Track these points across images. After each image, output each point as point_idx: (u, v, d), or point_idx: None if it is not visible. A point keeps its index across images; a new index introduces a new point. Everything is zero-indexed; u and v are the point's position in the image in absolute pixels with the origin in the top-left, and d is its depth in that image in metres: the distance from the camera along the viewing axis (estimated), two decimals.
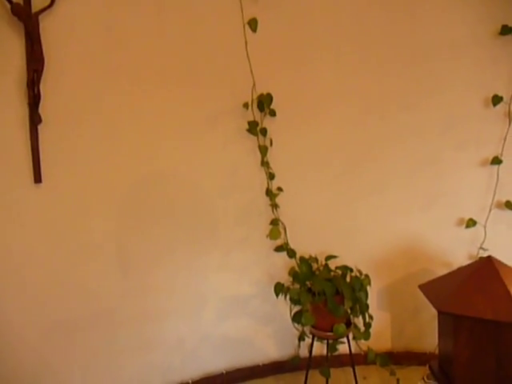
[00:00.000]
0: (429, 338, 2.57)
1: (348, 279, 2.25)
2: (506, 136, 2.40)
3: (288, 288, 2.28)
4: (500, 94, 2.38)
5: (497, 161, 2.43)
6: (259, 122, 2.47)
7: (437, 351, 1.82)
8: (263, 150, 2.47)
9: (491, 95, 2.40)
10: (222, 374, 2.64)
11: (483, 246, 2.45)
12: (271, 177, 2.51)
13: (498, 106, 2.40)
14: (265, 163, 2.49)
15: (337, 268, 2.30)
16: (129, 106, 2.28)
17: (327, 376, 2.45)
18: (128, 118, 2.29)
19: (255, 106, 2.44)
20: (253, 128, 2.45)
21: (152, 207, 2.40)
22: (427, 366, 1.79)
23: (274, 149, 2.52)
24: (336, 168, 2.62)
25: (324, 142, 2.59)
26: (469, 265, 1.72)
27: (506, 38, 2.39)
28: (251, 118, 2.46)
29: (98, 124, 2.23)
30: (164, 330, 2.47)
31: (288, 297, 2.26)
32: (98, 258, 2.29)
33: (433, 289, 1.70)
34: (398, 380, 2.44)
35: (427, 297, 1.66)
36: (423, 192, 2.61)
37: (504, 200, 2.45)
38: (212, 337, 2.59)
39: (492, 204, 2.48)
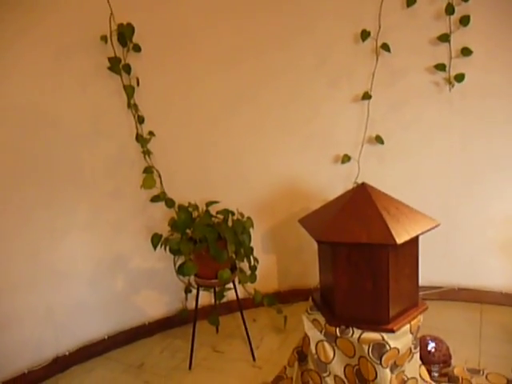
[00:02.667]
0: (312, 275, 2.64)
1: (230, 223, 2.16)
2: (374, 71, 2.44)
3: (167, 239, 2.11)
4: (368, 29, 2.39)
5: (367, 96, 2.48)
6: (122, 58, 2.17)
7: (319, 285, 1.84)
8: (129, 91, 2.20)
9: (360, 30, 2.41)
10: (104, 339, 2.43)
11: (357, 180, 2.54)
12: (140, 120, 2.26)
13: (366, 42, 2.41)
14: (132, 105, 2.23)
15: (218, 213, 2.18)
16: None
17: (216, 324, 2.41)
18: None
19: (115, 39, 2.13)
20: (115, 65, 2.15)
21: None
22: (310, 298, 1.79)
23: (142, 89, 2.26)
24: (211, 109, 2.46)
25: (197, 81, 2.40)
26: (344, 193, 1.72)
27: None
28: (112, 54, 2.15)
29: None
30: (28, 301, 2.16)
31: (168, 248, 2.09)
32: None
33: (312, 221, 1.68)
34: (285, 317, 2.48)
35: (307, 229, 1.63)
36: (300, 131, 2.59)
37: (374, 135, 2.53)
38: (87, 302, 2.34)
39: (364, 139, 2.55)
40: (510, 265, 2.55)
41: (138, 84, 2.23)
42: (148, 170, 2.26)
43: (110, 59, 2.14)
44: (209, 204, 2.22)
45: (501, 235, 2.53)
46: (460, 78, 2.35)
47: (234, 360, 2.29)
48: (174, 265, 2.30)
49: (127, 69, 2.18)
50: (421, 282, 1.69)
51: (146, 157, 2.28)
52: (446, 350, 2.00)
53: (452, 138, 2.49)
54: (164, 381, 2.17)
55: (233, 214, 2.19)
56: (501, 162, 2.45)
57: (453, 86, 2.38)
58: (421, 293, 1.72)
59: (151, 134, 2.29)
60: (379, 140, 2.51)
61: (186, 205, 2.22)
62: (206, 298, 2.58)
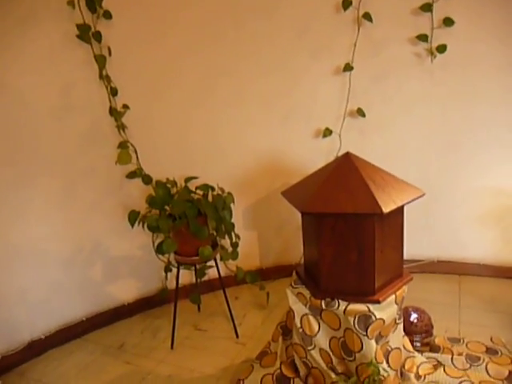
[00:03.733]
0: (294, 251, 2.63)
1: (210, 199, 2.09)
2: (355, 42, 2.39)
3: (145, 216, 2.03)
4: None
5: (348, 68, 2.42)
6: (91, 25, 2.05)
7: (302, 260, 1.81)
8: (100, 61, 2.08)
9: None
10: (82, 321, 2.36)
11: (339, 154, 2.50)
12: (113, 92, 2.15)
13: (348, 11, 2.35)
14: (104, 77, 2.11)
15: (197, 188, 2.11)
16: None
17: (198, 302, 2.37)
18: None
19: (83, 4, 2.00)
20: (84, 33, 2.03)
21: None
22: (294, 272, 1.76)
23: (115, 60, 2.15)
24: (189, 81, 2.36)
25: (173, 51, 2.29)
26: (329, 164, 1.68)
27: None
28: (80, 21, 2.02)
29: None
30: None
31: (146, 225, 2.02)
32: None
33: (295, 193, 1.64)
34: (268, 293, 2.46)
35: (290, 201, 1.59)
36: (280, 104, 2.53)
37: (355, 107, 2.48)
38: (62, 283, 2.26)
39: (345, 112, 2.51)
40: (488, 236, 2.58)
41: (109, 54, 2.12)
42: (123, 145, 2.16)
43: (78, 26, 2.02)
44: (188, 180, 2.14)
45: (479, 207, 2.55)
46: (442, 48, 2.32)
47: (217, 338, 2.26)
48: (153, 243, 2.24)
49: (98, 37, 2.05)
50: None
51: (121, 131, 2.18)
52: (428, 320, 2.02)
53: (433, 110, 2.47)
54: (145, 361, 2.12)
55: (213, 189, 2.12)
56: (481, 134, 2.44)
57: (435, 56, 2.35)
58: (411, 274, 1.71)
59: (125, 107, 2.18)
60: (360, 113, 2.47)
61: (164, 181, 2.14)
62: (186, 276, 2.52)
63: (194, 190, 2.13)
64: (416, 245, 2.67)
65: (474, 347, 2.01)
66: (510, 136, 2.40)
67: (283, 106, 2.53)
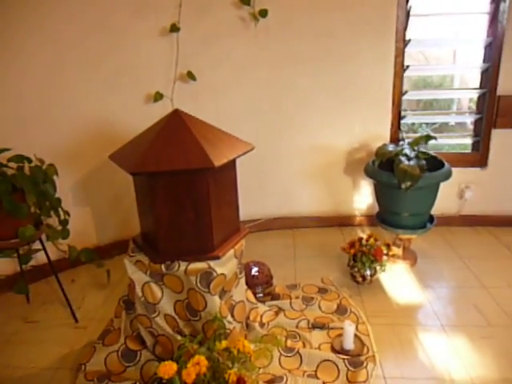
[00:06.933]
0: (134, 224, 2.48)
1: (28, 172, 1.82)
2: (181, 2, 2.31)
3: None
4: None
5: (175, 28, 2.34)
6: None
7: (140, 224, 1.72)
8: None
9: None
10: None
11: None
12: None
13: None
14: None
15: (9, 160, 1.82)
16: None
17: (25, 292, 2.09)
18: None
19: None
20: None
21: None
22: (131, 240, 1.66)
23: None
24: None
25: None
26: (157, 122, 1.60)
27: None
28: None
29: None
30: None
31: None
32: None
33: (124, 154, 1.52)
34: (108, 271, 2.30)
35: (118, 163, 1.47)
36: (105, 68, 2.33)
37: (186, 71, 2.43)
38: None
39: (175, 76, 2.44)
40: (313, 191, 2.84)
41: None
42: None
43: None
44: None
45: (306, 165, 2.79)
46: (263, 13, 2.40)
47: (53, 326, 2.03)
48: None
49: None
50: (241, 216, 1.73)
51: None
52: (268, 272, 2.14)
53: (260, 74, 2.57)
54: None
55: (29, 160, 1.85)
56: (302, 97, 2.64)
57: (258, 21, 2.42)
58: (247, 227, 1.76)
59: None
60: (191, 76, 2.43)
61: None
62: (9, 265, 2.20)
63: (5, 163, 1.83)
64: (253, 205, 2.80)
65: (309, 289, 2.21)
66: (327, 100, 2.64)
67: (108, 69, 2.34)
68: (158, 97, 2.39)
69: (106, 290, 2.29)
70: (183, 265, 1.51)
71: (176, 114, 1.52)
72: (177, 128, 1.47)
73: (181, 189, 1.43)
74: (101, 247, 2.54)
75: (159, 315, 1.60)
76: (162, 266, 1.52)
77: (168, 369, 1.30)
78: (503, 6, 2.41)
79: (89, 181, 2.44)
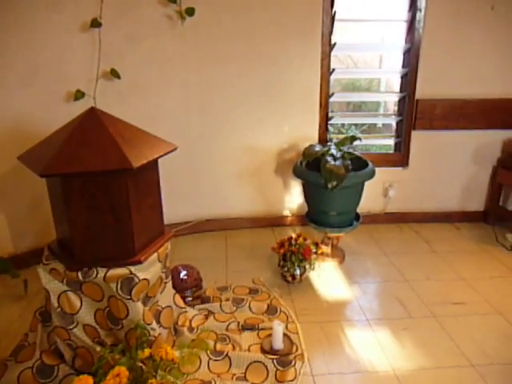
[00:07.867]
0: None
1: None
2: None
3: None
4: None
5: (96, 23, 2.23)
6: None
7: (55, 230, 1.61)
8: None
9: None
10: None
11: None
12: None
13: None
14: None
15: None
16: None
17: None
18: None
19: None
20: None
21: None
22: (45, 247, 1.54)
23: None
24: None
25: None
26: (71, 121, 1.50)
27: None
28: None
29: None
30: None
31: None
32: None
33: (34, 155, 1.41)
34: (25, 281, 2.13)
35: (27, 165, 1.36)
36: (20, 62, 2.17)
37: (109, 68, 2.33)
38: None
39: (98, 73, 2.32)
40: (246, 191, 2.84)
41: None
42: None
43: None
44: None
45: (238, 166, 2.78)
46: (190, 11, 2.36)
47: None
48: None
49: None
50: (172, 219, 1.68)
51: None
52: (197, 274, 2.10)
53: (189, 73, 2.52)
54: None
55: None
56: (234, 97, 2.62)
57: (184, 19, 2.37)
58: (173, 230, 1.70)
59: None
60: (115, 74, 2.33)
61: None
62: None
63: None
64: (185, 207, 2.75)
65: (240, 291, 2.19)
66: (257, 100, 2.65)
67: (22, 66, 2.18)
68: (79, 95, 2.27)
69: (23, 302, 2.13)
70: (102, 271, 1.43)
71: (92, 113, 1.44)
72: (93, 127, 1.39)
73: (97, 192, 1.36)
74: (18, 255, 2.36)
75: (77, 326, 1.50)
76: (79, 274, 1.43)
77: (83, 383, 1.22)
78: (419, 15, 2.55)
79: (2, 184, 2.26)
